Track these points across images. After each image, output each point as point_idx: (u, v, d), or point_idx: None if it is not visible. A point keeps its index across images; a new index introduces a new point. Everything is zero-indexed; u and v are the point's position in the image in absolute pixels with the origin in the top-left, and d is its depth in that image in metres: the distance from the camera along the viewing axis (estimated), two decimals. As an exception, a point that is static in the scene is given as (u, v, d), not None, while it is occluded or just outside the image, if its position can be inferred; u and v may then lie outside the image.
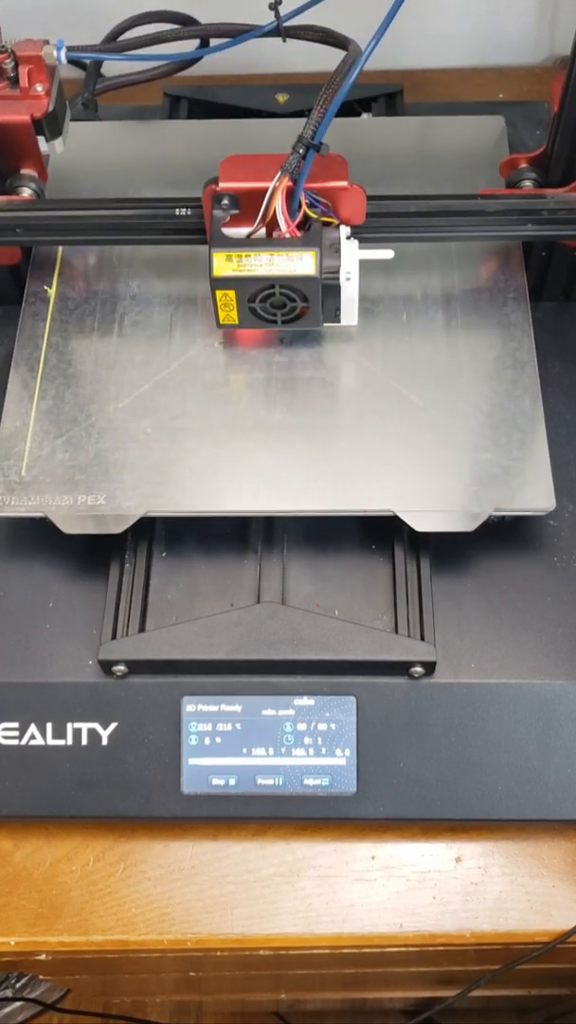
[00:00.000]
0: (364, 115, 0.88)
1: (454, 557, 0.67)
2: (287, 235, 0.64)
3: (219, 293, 0.66)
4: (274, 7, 0.68)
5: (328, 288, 0.66)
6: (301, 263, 0.64)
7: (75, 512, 0.65)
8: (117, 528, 0.64)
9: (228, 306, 0.67)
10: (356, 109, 0.88)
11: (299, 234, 0.64)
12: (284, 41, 0.71)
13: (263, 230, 0.65)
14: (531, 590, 0.66)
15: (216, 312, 0.67)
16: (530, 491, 0.64)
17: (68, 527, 0.64)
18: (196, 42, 0.78)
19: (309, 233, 0.65)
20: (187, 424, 0.68)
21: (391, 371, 0.69)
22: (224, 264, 0.64)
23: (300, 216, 0.64)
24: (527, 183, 0.71)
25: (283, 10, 0.69)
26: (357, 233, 0.67)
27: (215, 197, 0.65)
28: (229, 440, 0.67)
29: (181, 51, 0.76)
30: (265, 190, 0.63)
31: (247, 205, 0.65)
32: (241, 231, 0.65)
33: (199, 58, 0.76)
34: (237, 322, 0.68)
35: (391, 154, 0.80)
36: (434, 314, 0.72)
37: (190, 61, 0.78)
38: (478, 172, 0.77)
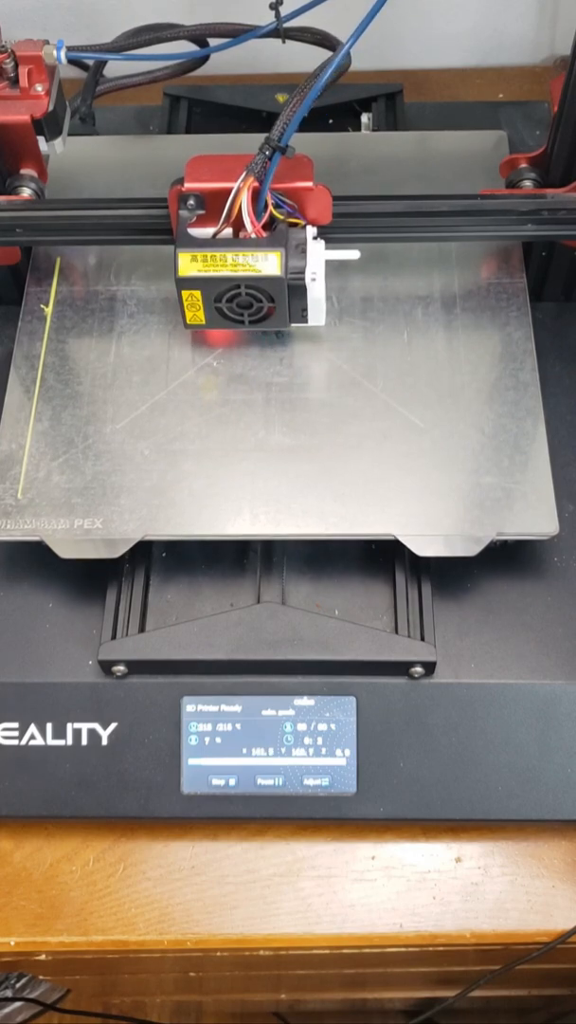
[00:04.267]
0: (364, 116, 0.88)
1: (454, 558, 0.67)
2: (253, 235, 0.64)
3: (185, 293, 0.66)
4: (274, 7, 0.68)
5: (294, 288, 0.65)
6: (267, 263, 0.64)
7: (72, 536, 0.64)
8: (114, 553, 0.64)
9: (195, 306, 0.67)
10: (356, 109, 0.88)
11: (265, 234, 0.64)
12: (284, 42, 0.71)
13: (229, 230, 0.65)
14: (531, 590, 0.66)
15: (183, 312, 0.67)
16: (532, 515, 0.64)
17: (64, 551, 0.64)
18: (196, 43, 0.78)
19: (275, 233, 0.64)
20: (185, 446, 0.67)
21: (391, 392, 0.69)
22: (189, 264, 0.64)
23: (266, 216, 0.64)
24: (527, 183, 0.71)
25: (283, 10, 0.69)
26: (325, 234, 0.67)
27: (181, 197, 0.65)
28: (227, 462, 0.66)
29: (181, 52, 0.76)
30: (230, 190, 0.63)
31: (213, 205, 0.65)
32: (208, 231, 0.65)
33: (202, 61, 0.76)
34: (204, 322, 0.68)
35: (390, 170, 0.79)
36: (435, 332, 0.71)
37: (192, 63, 0.78)
38: (478, 188, 0.76)
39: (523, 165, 0.72)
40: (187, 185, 0.64)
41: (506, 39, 0.99)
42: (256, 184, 0.62)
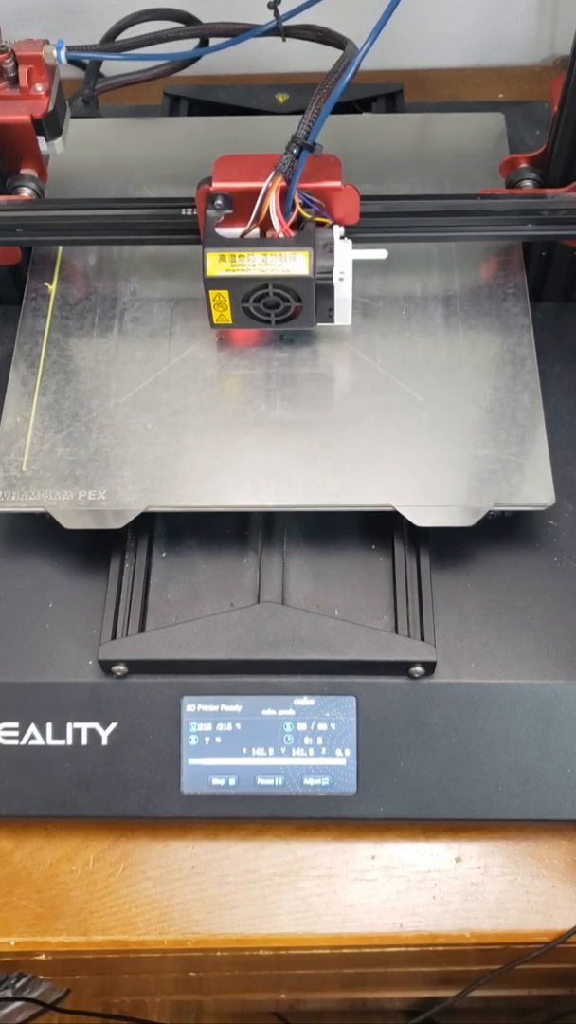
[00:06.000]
0: (364, 116, 0.88)
1: (454, 557, 0.67)
2: (281, 235, 0.64)
3: (212, 293, 0.66)
4: (273, 6, 0.68)
5: (321, 288, 0.66)
6: (295, 263, 0.64)
7: (76, 507, 0.65)
8: (117, 523, 0.64)
9: (222, 306, 0.67)
10: (356, 109, 0.88)
11: (293, 234, 0.64)
12: (284, 40, 0.71)
13: (257, 230, 0.65)
14: (531, 590, 0.66)
15: (210, 312, 0.67)
16: (529, 486, 0.64)
17: (68, 522, 0.64)
18: (196, 41, 0.78)
19: (303, 233, 0.65)
20: (187, 419, 0.68)
21: (391, 367, 0.70)
22: (217, 264, 0.64)
23: (294, 216, 0.64)
24: (527, 183, 0.71)
25: (282, 9, 0.69)
26: (351, 233, 0.67)
27: (208, 197, 0.65)
28: (229, 435, 0.67)
29: (181, 51, 0.76)
30: (259, 190, 0.63)
31: (241, 205, 0.65)
32: (235, 231, 0.65)
33: (199, 57, 0.76)
34: (231, 322, 0.68)
35: (391, 151, 0.80)
36: (434, 310, 0.72)
37: (190, 60, 0.78)
38: (478, 169, 0.77)
39: (523, 165, 0.72)
40: (215, 185, 0.64)
41: (506, 39, 0.99)
42: (284, 184, 0.62)
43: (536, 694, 0.63)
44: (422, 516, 0.64)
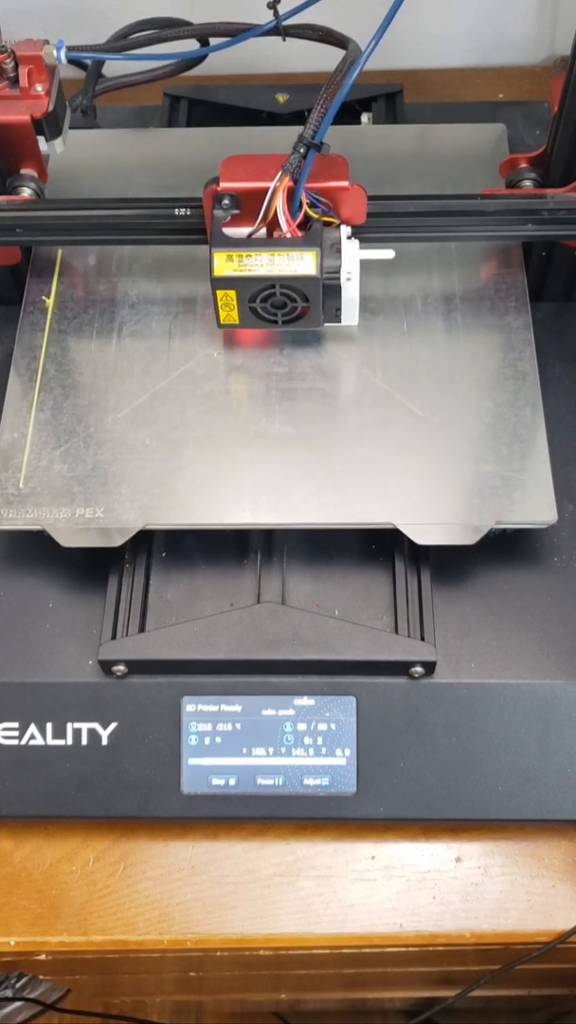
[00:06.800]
0: (364, 116, 0.88)
1: (455, 557, 0.67)
2: (288, 235, 0.64)
3: (220, 293, 0.66)
4: (272, 6, 0.68)
5: (329, 288, 0.66)
6: (302, 263, 0.64)
7: (73, 525, 0.64)
8: (115, 541, 0.64)
9: (229, 306, 0.67)
10: (356, 109, 0.88)
11: (300, 234, 0.65)
12: (284, 40, 0.71)
13: (264, 230, 0.65)
14: (531, 590, 0.66)
15: (217, 312, 0.67)
16: (531, 504, 0.64)
17: (66, 540, 0.64)
18: (196, 43, 0.78)
19: (310, 233, 0.65)
20: (186, 435, 0.67)
21: (391, 381, 0.69)
22: (225, 264, 0.64)
23: (301, 216, 0.64)
24: (527, 183, 0.71)
25: (282, 9, 0.69)
26: (358, 233, 0.67)
27: (216, 197, 0.65)
28: (228, 451, 0.67)
29: (181, 51, 0.76)
30: (266, 190, 0.63)
31: (248, 205, 0.65)
32: (242, 231, 0.65)
33: (203, 58, 0.76)
34: (238, 322, 0.68)
35: (391, 159, 0.79)
36: (434, 323, 0.71)
37: (191, 62, 0.78)
38: (478, 180, 0.77)
39: (523, 165, 0.72)
40: (222, 185, 0.64)
41: (506, 39, 0.99)
42: (291, 183, 0.62)
43: (536, 694, 0.64)
44: (423, 534, 0.63)
